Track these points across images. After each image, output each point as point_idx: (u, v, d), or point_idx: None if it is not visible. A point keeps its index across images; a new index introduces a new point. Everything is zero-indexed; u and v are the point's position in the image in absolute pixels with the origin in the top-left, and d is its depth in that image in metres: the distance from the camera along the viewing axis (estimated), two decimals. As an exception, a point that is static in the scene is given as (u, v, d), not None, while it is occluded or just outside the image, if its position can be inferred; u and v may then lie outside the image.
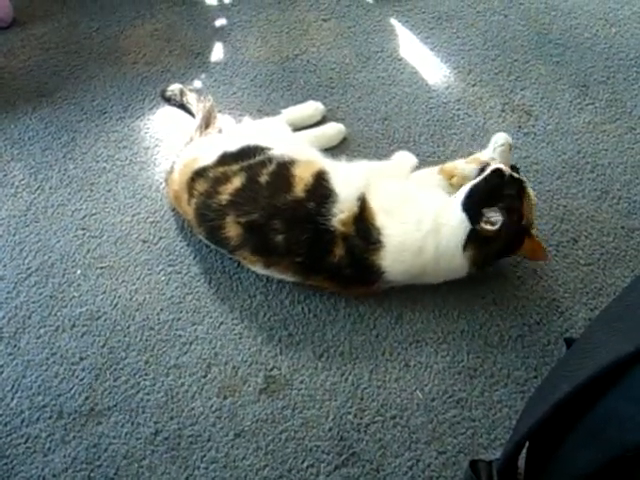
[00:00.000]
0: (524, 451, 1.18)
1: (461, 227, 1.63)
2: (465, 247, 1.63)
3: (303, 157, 1.75)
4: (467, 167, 1.79)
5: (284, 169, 1.70)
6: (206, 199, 1.69)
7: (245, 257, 1.71)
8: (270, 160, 1.72)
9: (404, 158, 1.97)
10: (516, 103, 2.21)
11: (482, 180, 1.67)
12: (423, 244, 1.64)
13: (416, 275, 1.69)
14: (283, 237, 1.62)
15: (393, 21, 2.49)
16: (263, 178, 1.68)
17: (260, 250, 1.67)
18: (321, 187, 1.67)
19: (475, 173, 1.75)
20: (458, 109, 2.19)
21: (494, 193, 1.64)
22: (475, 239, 1.63)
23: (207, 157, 1.77)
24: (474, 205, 1.63)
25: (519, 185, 1.66)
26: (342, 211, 1.63)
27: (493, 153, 1.79)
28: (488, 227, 1.58)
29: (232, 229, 1.66)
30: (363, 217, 1.65)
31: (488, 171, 1.67)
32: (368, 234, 1.63)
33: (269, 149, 1.76)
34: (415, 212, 1.68)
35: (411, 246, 1.64)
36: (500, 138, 1.81)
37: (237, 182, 1.68)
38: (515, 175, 1.67)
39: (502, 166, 1.68)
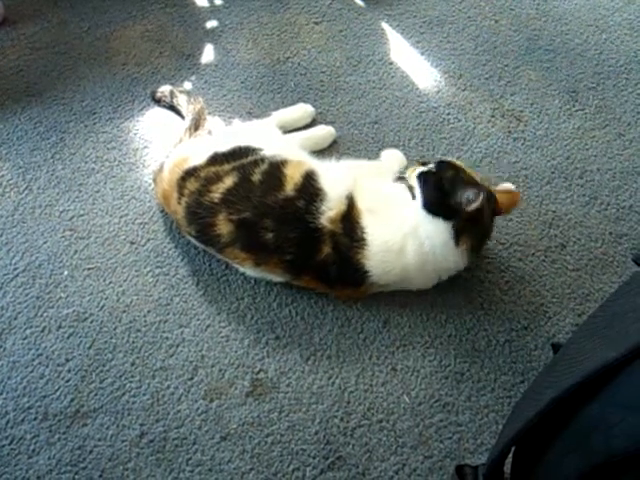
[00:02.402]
0: (510, 456, 1.19)
1: (439, 228, 1.64)
2: (458, 242, 1.64)
3: (294, 158, 1.76)
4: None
5: (276, 169, 1.70)
6: (198, 197, 1.69)
7: (235, 255, 1.70)
8: (262, 160, 1.73)
9: (393, 157, 1.99)
10: (506, 108, 2.21)
11: (423, 187, 1.68)
12: (403, 245, 1.65)
13: (401, 278, 1.69)
14: (273, 234, 1.63)
15: (384, 25, 2.49)
16: (256, 177, 1.69)
17: (250, 247, 1.67)
18: (310, 186, 1.68)
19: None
20: (448, 113, 2.19)
21: (444, 183, 1.65)
22: (464, 228, 1.63)
23: (198, 157, 1.77)
24: (437, 203, 1.65)
25: (447, 164, 1.69)
26: (331, 209, 1.64)
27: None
28: (474, 206, 1.57)
29: (223, 226, 1.65)
30: (350, 215, 1.66)
31: (417, 178, 1.70)
32: (353, 232, 1.64)
33: (260, 150, 1.77)
34: (397, 213, 1.69)
35: (393, 246, 1.64)
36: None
37: (229, 181, 1.68)
38: (436, 161, 1.72)
39: (420, 167, 1.72)
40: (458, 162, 1.71)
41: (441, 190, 1.65)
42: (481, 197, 1.56)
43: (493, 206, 1.67)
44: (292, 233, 1.63)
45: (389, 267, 1.66)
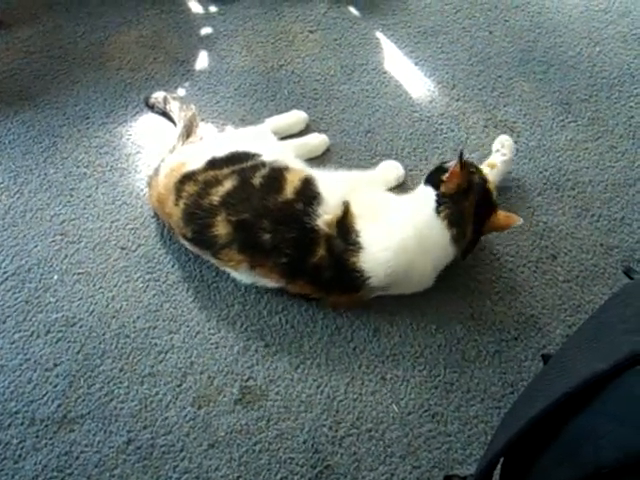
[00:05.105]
0: (499, 467, 1.18)
1: (428, 198, 1.71)
2: (438, 210, 1.68)
3: (293, 164, 1.79)
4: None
5: (278, 173, 1.73)
6: (197, 199, 1.70)
7: (231, 257, 1.69)
8: (263, 164, 1.75)
9: (390, 167, 2.01)
10: (499, 119, 2.22)
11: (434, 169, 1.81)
12: (402, 240, 1.67)
13: (401, 277, 1.69)
14: (270, 236, 1.63)
15: (379, 34, 2.50)
16: (256, 180, 1.71)
17: (247, 248, 1.66)
18: (309, 190, 1.70)
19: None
20: (441, 123, 2.19)
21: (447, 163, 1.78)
22: (445, 200, 1.69)
23: (195, 162, 1.79)
24: (432, 175, 1.76)
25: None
26: (327, 213, 1.66)
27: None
28: (450, 172, 1.67)
29: (222, 227, 1.66)
30: (345, 220, 1.68)
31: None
32: (348, 235, 1.66)
33: (259, 155, 1.79)
34: (390, 216, 1.72)
35: (390, 245, 1.66)
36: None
37: (229, 184, 1.70)
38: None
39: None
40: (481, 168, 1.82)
41: (442, 168, 1.75)
42: (455, 164, 1.66)
43: (488, 208, 1.72)
44: (289, 234, 1.64)
45: (390, 266, 1.65)
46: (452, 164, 1.68)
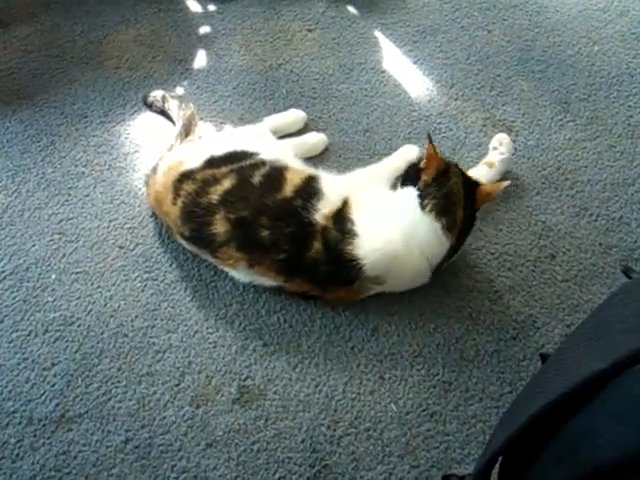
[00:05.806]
0: (497, 466, 1.18)
1: (409, 196, 1.71)
2: (422, 205, 1.68)
3: (293, 163, 1.81)
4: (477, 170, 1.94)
5: (278, 172, 1.74)
6: (195, 197, 1.70)
7: (229, 255, 1.69)
8: (263, 163, 1.76)
9: (406, 154, 2.01)
10: (497, 118, 2.21)
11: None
12: (390, 233, 1.68)
13: (393, 269, 1.69)
14: (269, 232, 1.64)
15: (377, 33, 2.49)
16: (256, 179, 1.72)
17: (245, 246, 1.66)
18: (310, 187, 1.71)
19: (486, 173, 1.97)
20: (439, 123, 2.19)
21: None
22: (427, 190, 1.70)
23: (193, 161, 1.79)
24: (407, 175, 1.78)
25: None
26: (325, 207, 1.68)
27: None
28: (426, 156, 1.72)
29: (220, 225, 1.66)
30: (341, 211, 1.69)
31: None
32: (344, 225, 1.67)
33: (257, 154, 1.80)
34: (383, 211, 1.73)
35: (380, 233, 1.67)
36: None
37: (227, 183, 1.71)
38: None
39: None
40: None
41: (415, 166, 1.77)
42: (425, 151, 1.70)
43: (462, 174, 1.75)
44: (287, 228, 1.64)
45: (380, 254, 1.65)
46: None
